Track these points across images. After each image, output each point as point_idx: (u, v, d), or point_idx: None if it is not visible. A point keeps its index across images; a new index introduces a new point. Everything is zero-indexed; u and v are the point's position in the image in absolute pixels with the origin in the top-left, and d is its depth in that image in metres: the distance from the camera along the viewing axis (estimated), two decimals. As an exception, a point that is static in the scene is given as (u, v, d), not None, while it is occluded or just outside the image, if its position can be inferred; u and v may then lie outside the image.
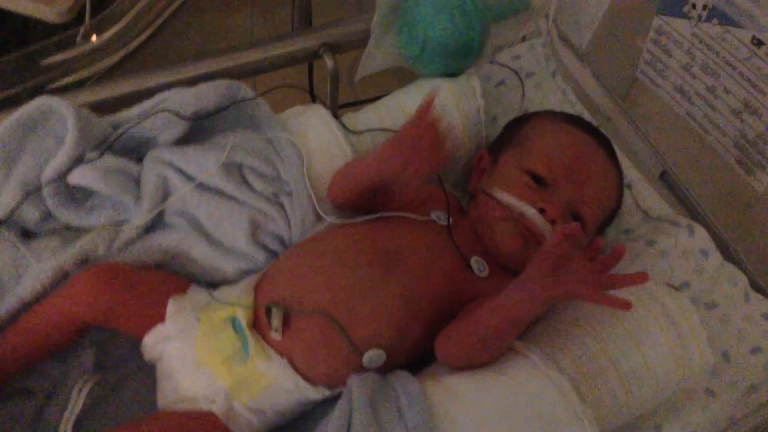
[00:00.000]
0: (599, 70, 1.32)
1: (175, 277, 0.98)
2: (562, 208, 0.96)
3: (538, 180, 0.98)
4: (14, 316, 0.92)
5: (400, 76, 1.29)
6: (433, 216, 0.99)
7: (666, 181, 1.23)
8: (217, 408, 0.85)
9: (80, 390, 0.90)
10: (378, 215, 0.99)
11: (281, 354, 0.87)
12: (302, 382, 0.87)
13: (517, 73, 1.26)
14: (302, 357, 0.87)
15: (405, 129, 0.89)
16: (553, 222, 0.95)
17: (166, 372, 0.90)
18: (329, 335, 0.87)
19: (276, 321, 0.87)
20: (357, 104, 1.31)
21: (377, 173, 0.94)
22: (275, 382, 0.86)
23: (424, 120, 0.85)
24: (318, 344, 0.87)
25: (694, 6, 1.06)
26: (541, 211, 0.95)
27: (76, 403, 0.89)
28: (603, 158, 1.03)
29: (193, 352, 0.88)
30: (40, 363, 0.93)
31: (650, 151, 1.25)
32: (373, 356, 0.87)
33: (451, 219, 0.98)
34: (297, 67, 1.32)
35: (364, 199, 0.99)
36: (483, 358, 0.86)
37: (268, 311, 0.88)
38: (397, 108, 1.12)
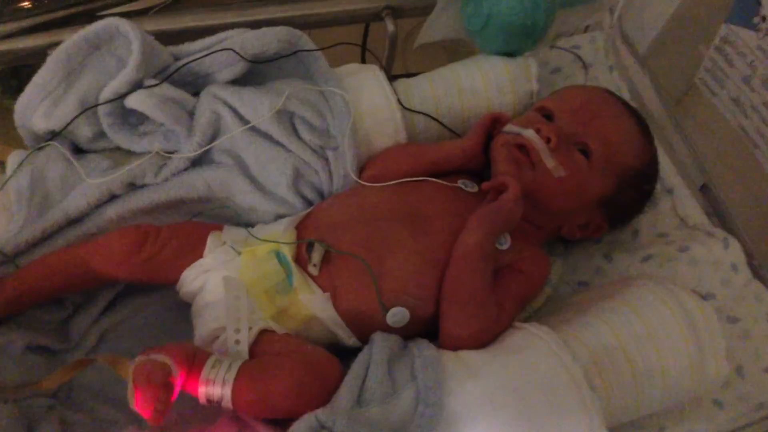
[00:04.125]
0: (657, 70, 1.31)
1: (206, 223, 1.00)
2: (560, 130, 0.97)
3: (547, 116, 1.00)
4: (58, 230, 0.95)
5: (452, 56, 1.29)
6: (460, 183, 1.02)
7: (705, 193, 1.22)
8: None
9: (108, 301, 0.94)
10: (411, 179, 1.01)
11: (323, 289, 0.90)
12: (339, 320, 0.90)
13: (582, 59, 1.26)
14: (338, 298, 0.90)
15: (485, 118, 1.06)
16: (548, 140, 0.96)
17: (207, 302, 0.91)
18: (361, 282, 0.89)
19: (316, 256, 0.89)
20: (406, 76, 1.31)
21: (454, 154, 1.04)
22: (316, 314, 0.89)
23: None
24: (351, 288, 0.90)
25: (764, 19, 1.05)
26: (538, 131, 0.97)
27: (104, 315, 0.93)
28: (619, 108, 1.03)
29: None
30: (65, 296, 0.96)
31: (694, 162, 1.24)
32: (397, 313, 0.90)
33: (477, 187, 1.02)
34: (351, 29, 1.32)
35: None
36: (469, 312, 0.88)
37: (310, 246, 0.90)
38: (452, 80, 1.12)
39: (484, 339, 0.89)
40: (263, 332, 0.86)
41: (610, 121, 1.00)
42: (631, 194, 1.03)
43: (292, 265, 0.90)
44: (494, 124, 1.05)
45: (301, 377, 0.79)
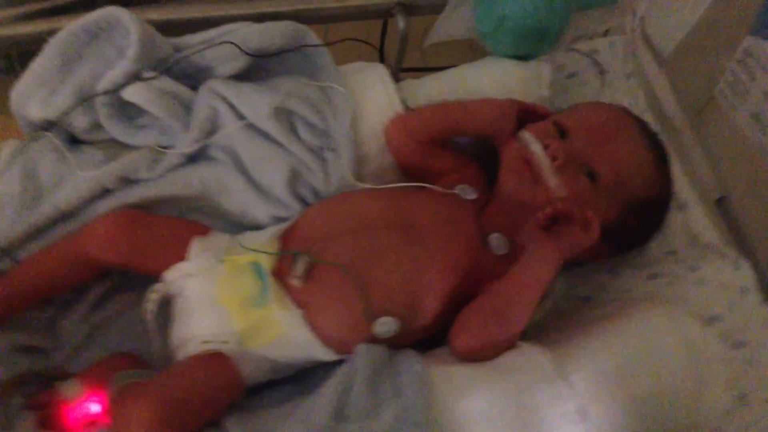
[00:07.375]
0: (675, 81, 1.26)
1: (195, 222, 0.99)
2: (569, 151, 0.94)
3: (562, 131, 0.97)
4: (51, 225, 0.94)
5: (474, 51, 1.26)
6: (457, 190, 1.00)
7: (721, 208, 1.18)
8: (228, 349, 0.86)
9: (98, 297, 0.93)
10: (406, 185, 1.00)
11: (298, 306, 0.87)
12: (314, 339, 0.87)
13: (599, 64, 1.21)
14: (317, 313, 0.88)
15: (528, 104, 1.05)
16: (554, 159, 0.93)
17: (183, 308, 0.91)
18: (347, 293, 0.87)
19: (300, 268, 0.87)
20: (422, 70, 1.28)
21: (482, 123, 1.02)
22: (288, 332, 0.87)
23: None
24: (335, 301, 0.87)
25: (790, 32, 1.00)
26: (547, 148, 0.94)
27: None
28: (635, 134, 0.99)
29: (213, 291, 0.88)
30: (57, 294, 0.95)
31: (711, 174, 1.19)
32: (385, 323, 0.87)
33: (476, 194, 1.00)
34: (369, 24, 1.29)
35: (432, 146, 1.03)
36: (498, 333, 0.85)
37: (295, 257, 0.88)
38: (460, 82, 1.09)
39: (496, 354, 0.85)
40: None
41: (623, 145, 0.96)
42: (636, 223, 0.99)
43: (269, 278, 0.88)
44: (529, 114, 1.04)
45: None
